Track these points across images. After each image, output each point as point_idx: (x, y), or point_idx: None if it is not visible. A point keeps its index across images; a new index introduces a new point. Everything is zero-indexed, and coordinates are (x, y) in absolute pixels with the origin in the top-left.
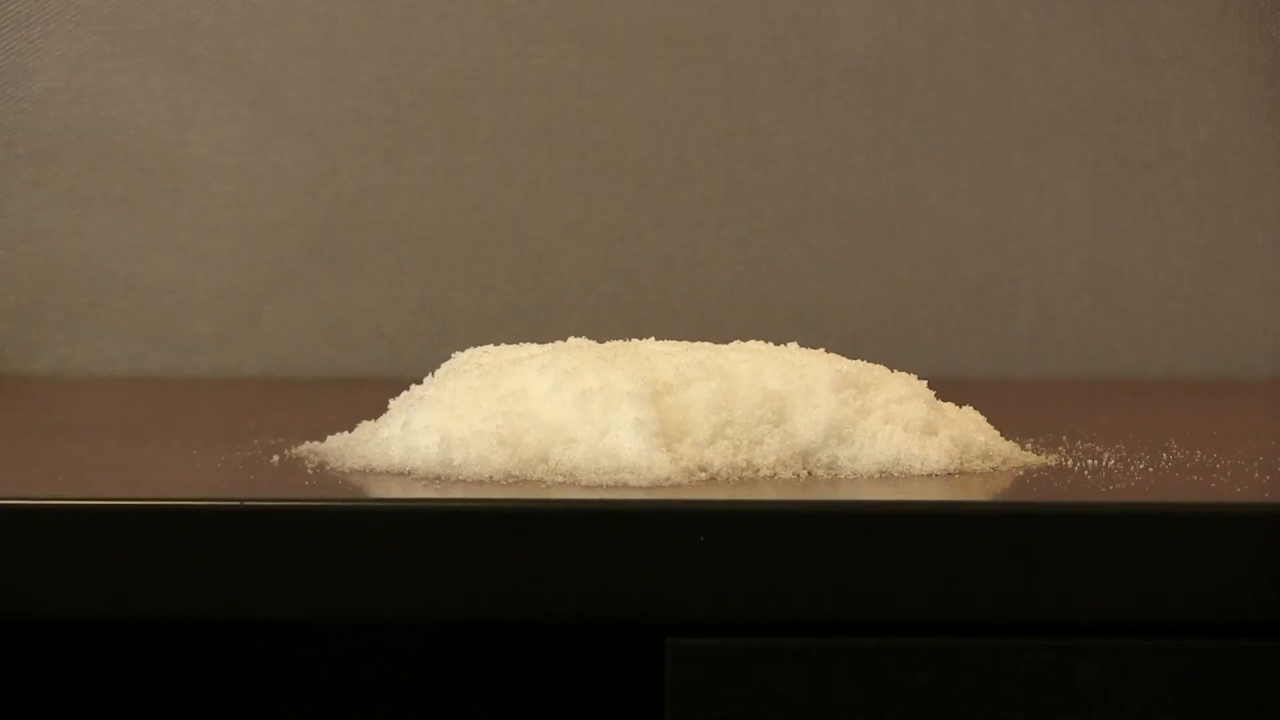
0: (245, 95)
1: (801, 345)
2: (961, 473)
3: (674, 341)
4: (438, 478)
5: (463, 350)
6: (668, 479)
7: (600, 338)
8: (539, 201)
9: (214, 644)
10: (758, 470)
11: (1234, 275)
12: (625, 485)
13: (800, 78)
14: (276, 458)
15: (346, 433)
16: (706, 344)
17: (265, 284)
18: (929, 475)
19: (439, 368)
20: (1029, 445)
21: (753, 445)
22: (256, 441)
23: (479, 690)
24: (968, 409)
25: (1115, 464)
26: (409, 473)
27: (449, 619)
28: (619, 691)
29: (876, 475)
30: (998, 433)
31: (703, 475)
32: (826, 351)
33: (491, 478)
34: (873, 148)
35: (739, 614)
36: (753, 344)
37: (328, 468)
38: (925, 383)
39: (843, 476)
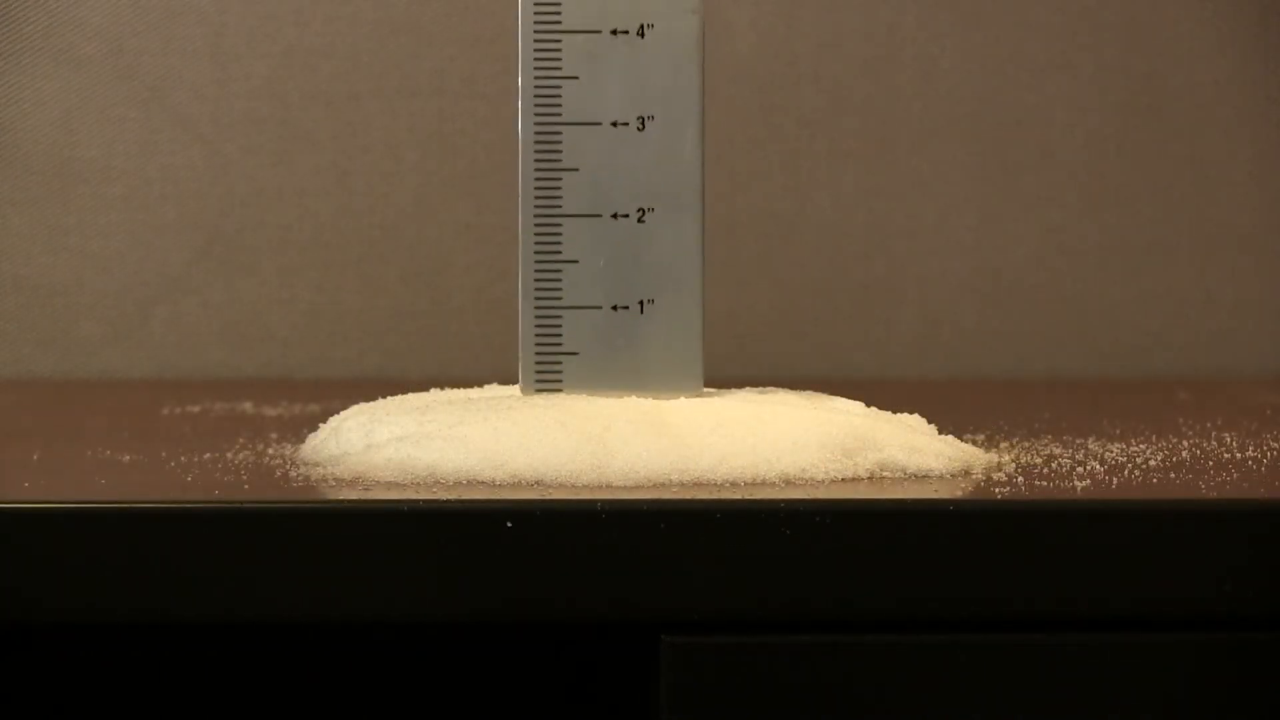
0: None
1: None
2: (961, 473)
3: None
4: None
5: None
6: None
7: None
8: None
9: (212, 645)
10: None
11: (1234, 275)
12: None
13: None
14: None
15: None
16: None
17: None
18: (928, 475)
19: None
20: (1025, 445)
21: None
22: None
23: (474, 690)
24: (950, 439)
25: (1115, 464)
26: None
27: (444, 619)
28: (614, 690)
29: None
30: (988, 441)
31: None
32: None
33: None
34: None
35: (735, 612)
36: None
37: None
38: (935, 427)
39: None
